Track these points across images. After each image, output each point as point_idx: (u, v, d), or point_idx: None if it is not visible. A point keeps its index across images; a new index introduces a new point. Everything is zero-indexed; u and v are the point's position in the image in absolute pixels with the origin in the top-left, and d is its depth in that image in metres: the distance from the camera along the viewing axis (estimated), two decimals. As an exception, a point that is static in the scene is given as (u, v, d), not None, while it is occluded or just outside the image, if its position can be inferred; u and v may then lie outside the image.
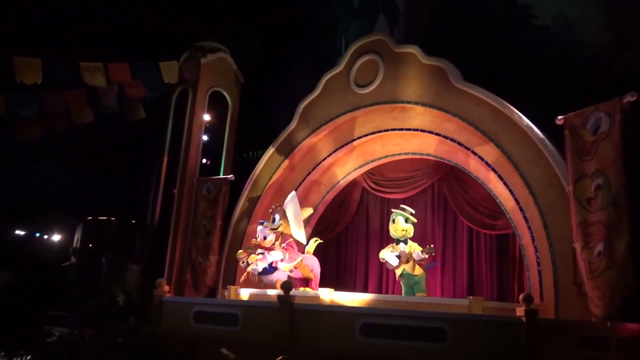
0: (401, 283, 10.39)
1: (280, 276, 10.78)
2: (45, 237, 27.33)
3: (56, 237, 27.21)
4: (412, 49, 11.31)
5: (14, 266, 25.50)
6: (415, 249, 10.30)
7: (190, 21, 15.87)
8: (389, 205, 12.64)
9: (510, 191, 10.03)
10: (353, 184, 13.16)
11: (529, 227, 9.67)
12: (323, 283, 12.61)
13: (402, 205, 10.94)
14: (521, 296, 7.37)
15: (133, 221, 21.78)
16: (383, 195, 12.69)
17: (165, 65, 12.95)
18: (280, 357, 6.74)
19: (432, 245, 10.32)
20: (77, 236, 26.63)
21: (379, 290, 12.19)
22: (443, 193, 11.98)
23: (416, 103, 11.10)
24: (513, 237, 10.56)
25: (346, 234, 13.27)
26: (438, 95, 10.81)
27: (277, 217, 10.78)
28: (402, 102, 11.29)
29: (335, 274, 13.12)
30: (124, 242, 20.92)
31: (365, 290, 12.39)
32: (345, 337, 7.50)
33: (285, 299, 7.84)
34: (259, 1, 16.43)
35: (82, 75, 12.09)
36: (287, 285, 7.98)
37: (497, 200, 10.54)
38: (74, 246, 26.57)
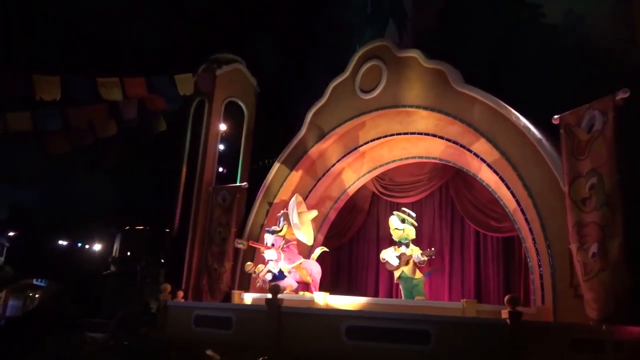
0: (400, 287, 10.41)
1: (289, 282, 11.03)
2: (87, 246, 28.52)
3: (97, 247, 28.34)
4: (414, 53, 11.35)
5: (57, 275, 26.74)
6: (416, 251, 10.31)
7: (208, 33, 16.31)
8: (399, 210, 12.69)
9: (512, 193, 9.91)
10: (363, 189, 13.24)
11: (530, 230, 9.53)
12: (336, 288, 12.76)
13: (403, 208, 10.97)
14: (506, 298, 7.29)
15: (167, 230, 22.44)
16: (392, 199, 12.72)
17: (180, 78, 13.42)
18: (261, 358, 6.89)
19: (432, 249, 10.32)
20: (116, 245, 27.69)
21: (389, 294, 12.20)
22: (450, 197, 11.93)
23: (418, 107, 11.13)
24: (519, 239, 10.39)
25: (358, 239, 13.35)
26: (439, 98, 10.81)
27: (281, 221, 11.00)
28: (405, 106, 11.33)
29: (347, 278, 13.25)
30: (157, 250, 21.59)
31: (376, 294, 12.43)
32: (332, 340, 7.58)
33: (273, 303, 8.00)
34: (275, 12, 16.72)
35: (99, 90, 12.63)
36: (275, 289, 8.15)
37: (501, 203, 10.43)
38: (113, 255, 27.62)
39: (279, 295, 8.87)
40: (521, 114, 10.10)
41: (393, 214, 10.88)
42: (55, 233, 27.99)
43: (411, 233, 10.57)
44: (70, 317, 17.47)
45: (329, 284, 13.23)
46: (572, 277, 8.40)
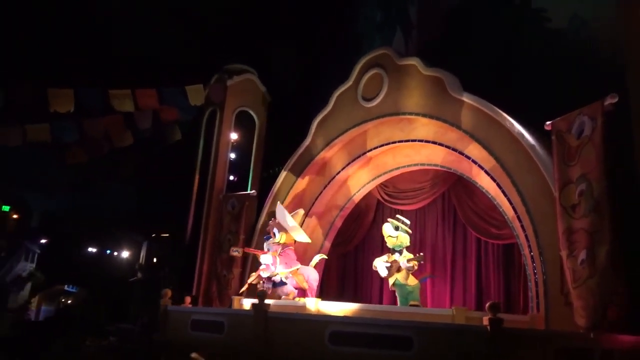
0: (396, 293, 10.43)
1: (291, 288, 11.21)
2: (115, 254, 29.29)
3: (125, 254, 29.08)
4: (414, 61, 11.41)
5: (87, 282, 27.55)
6: (408, 257, 10.32)
7: (221, 44, 16.66)
8: (404, 217, 12.70)
9: (509, 200, 9.84)
10: (368, 196, 13.32)
11: (526, 236, 9.45)
12: (343, 295, 12.87)
13: (397, 216, 10.99)
14: (487, 305, 7.27)
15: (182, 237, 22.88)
16: (396, 206, 12.73)
17: (191, 89, 13.80)
18: (243, 362, 7.05)
19: (421, 254, 10.34)
20: (143, 253, 28.36)
21: (393, 301, 12.17)
22: (452, 204, 11.89)
23: (417, 114, 11.17)
24: (518, 246, 10.30)
25: (363, 246, 13.40)
26: (437, 106, 10.83)
27: (276, 231, 11.12)
28: (404, 113, 11.40)
29: (353, 285, 13.30)
30: (175, 257, 22.02)
31: (380, 301, 12.47)
32: (315, 345, 7.68)
33: (259, 308, 8.16)
34: (288, 23, 16.99)
35: (111, 102, 13.07)
36: (261, 295, 8.30)
37: (500, 209, 10.37)
38: (139, 262, 28.30)
39: (274, 301, 9.06)
40: (526, 119, 10.06)
41: (387, 221, 10.91)
42: (85, 240, 28.83)
43: (405, 240, 10.56)
44: (93, 322, 18.03)
45: (336, 291, 13.38)
46: (563, 284, 8.29)
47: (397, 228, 10.60)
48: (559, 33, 12.18)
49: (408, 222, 10.82)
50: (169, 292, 10.86)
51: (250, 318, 8.30)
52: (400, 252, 10.48)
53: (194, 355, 7.40)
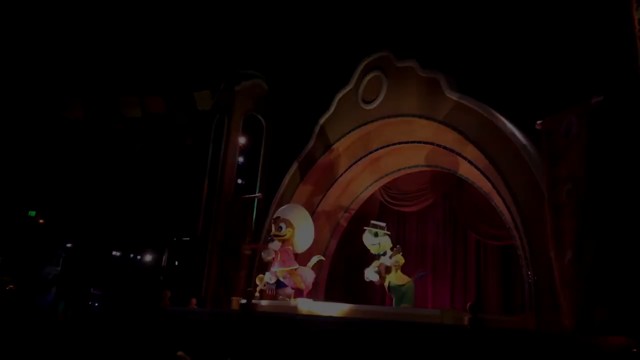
0: (392, 295, 10.45)
1: (291, 290, 11.29)
2: (139, 257, 29.87)
3: (148, 258, 29.63)
4: (411, 63, 11.45)
5: (111, 285, 28.17)
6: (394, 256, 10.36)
7: (230, 50, 16.89)
8: (406, 219, 12.73)
9: (503, 200, 9.79)
10: (372, 199, 13.37)
11: (520, 237, 9.39)
12: (348, 296, 12.93)
13: (372, 222, 10.94)
14: (468, 305, 7.27)
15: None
16: (398, 208, 12.79)
17: (198, 95, 14.14)
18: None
19: (398, 246, 10.36)
20: (165, 256, 28.84)
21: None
22: (453, 206, 11.88)
23: (414, 116, 11.20)
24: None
25: (367, 248, 13.37)
26: (434, 107, 10.85)
27: (283, 225, 11.03)
28: (403, 115, 11.43)
29: (358, 286, 13.32)
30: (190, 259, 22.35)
31: (382, 302, 12.51)
32: (302, 344, 7.78)
33: (246, 307, 8.31)
34: (295, 27, 17.16)
35: (120, 108, 13.49)
36: (248, 294, 8.45)
37: (498, 210, 10.32)
38: (162, 265, 28.79)
39: (268, 302, 9.19)
40: (527, 119, 10.00)
41: (364, 230, 10.86)
42: (109, 244, 29.48)
43: (387, 244, 10.50)
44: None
45: (342, 292, 13.45)
46: (552, 285, 8.22)
47: (376, 235, 10.57)
48: (562, 32, 12.02)
49: (384, 224, 10.79)
50: (168, 293, 11.10)
51: (240, 317, 8.46)
52: (385, 254, 10.49)
53: (179, 353, 7.59)
